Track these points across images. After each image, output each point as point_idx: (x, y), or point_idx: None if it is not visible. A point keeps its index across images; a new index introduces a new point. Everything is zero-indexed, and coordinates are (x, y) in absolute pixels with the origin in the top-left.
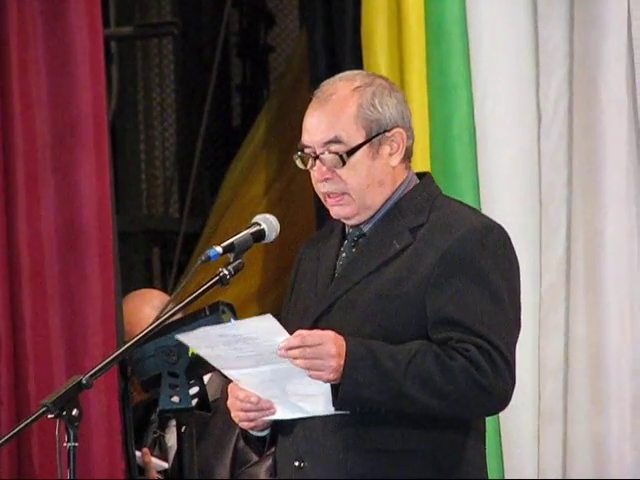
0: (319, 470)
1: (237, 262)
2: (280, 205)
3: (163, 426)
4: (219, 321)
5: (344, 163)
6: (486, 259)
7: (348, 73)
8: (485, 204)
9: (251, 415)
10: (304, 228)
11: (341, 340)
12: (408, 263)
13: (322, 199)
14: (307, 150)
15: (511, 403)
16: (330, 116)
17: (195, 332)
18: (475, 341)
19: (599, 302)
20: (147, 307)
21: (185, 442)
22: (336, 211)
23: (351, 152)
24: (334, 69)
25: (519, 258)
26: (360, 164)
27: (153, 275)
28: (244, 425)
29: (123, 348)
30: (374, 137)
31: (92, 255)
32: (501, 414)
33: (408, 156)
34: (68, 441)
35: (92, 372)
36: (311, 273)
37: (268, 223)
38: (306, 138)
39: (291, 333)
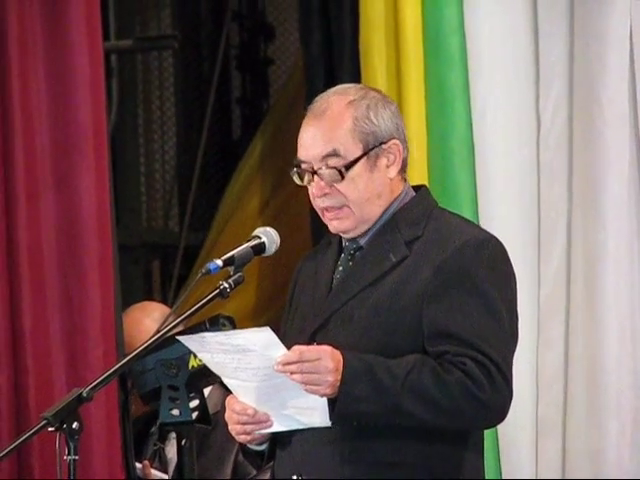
0: None
1: (237, 275)
2: (280, 218)
3: (163, 438)
4: None
5: (343, 177)
6: (482, 272)
7: (341, 87)
8: (483, 216)
9: (248, 428)
10: (305, 242)
11: (338, 355)
12: (404, 276)
13: (320, 214)
14: (304, 165)
15: (509, 416)
16: (326, 131)
17: (195, 336)
18: (472, 354)
19: (598, 314)
20: (147, 319)
21: (185, 455)
22: (335, 225)
23: (349, 166)
24: (332, 83)
25: (518, 270)
26: (359, 177)
27: (153, 288)
28: (241, 439)
29: (123, 361)
30: (371, 150)
31: (92, 268)
32: (499, 427)
33: (404, 167)
34: (68, 454)
35: (92, 385)
36: (309, 287)
37: (268, 236)
38: (302, 153)
39: (289, 347)
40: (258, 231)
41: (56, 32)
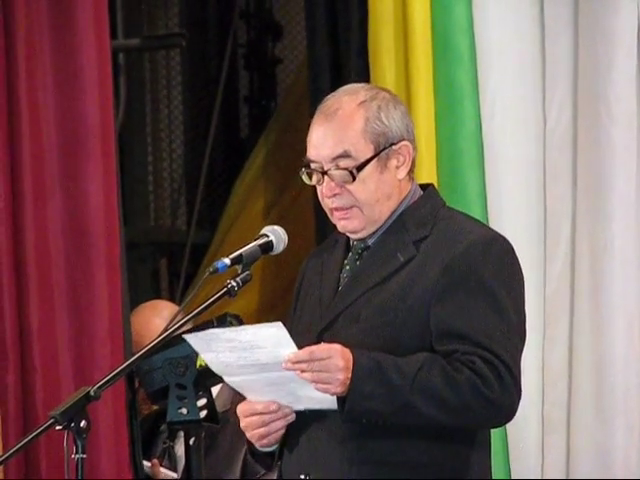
0: None
1: (245, 274)
2: (287, 217)
3: (172, 437)
4: None
5: (354, 178)
6: (490, 271)
7: (351, 86)
8: (492, 216)
9: (273, 427)
10: (311, 241)
11: (348, 353)
12: (412, 276)
13: (329, 214)
14: (314, 165)
15: (516, 414)
16: (337, 131)
17: (202, 333)
18: (480, 353)
19: (605, 312)
20: (157, 318)
21: (193, 454)
22: (343, 225)
23: (361, 167)
24: (337, 81)
25: (526, 269)
26: (369, 178)
27: (160, 286)
28: (264, 442)
29: (131, 360)
30: (382, 151)
31: (100, 266)
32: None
33: (412, 168)
34: (76, 453)
35: (100, 384)
36: (315, 286)
37: (276, 234)
38: (313, 153)
39: (298, 346)
40: (266, 229)
41: (64, 31)
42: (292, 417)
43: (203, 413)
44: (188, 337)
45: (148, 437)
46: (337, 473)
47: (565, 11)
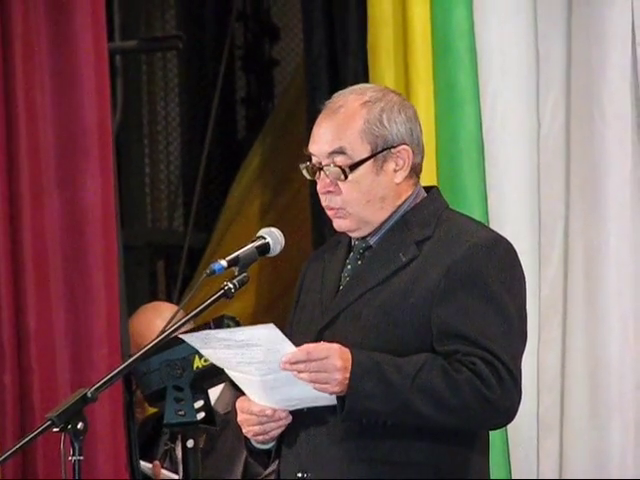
0: None
1: (242, 276)
2: (284, 218)
3: (174, 439)
4: None
5: (346, 177)
6: (492, 273)
7: (361, 86)
8: (493, 218)
9: (267, 427)
10: (308, 243)
11: (347, 353)
12: (414, 276)
13: (326, 210)
14: (314, 160)
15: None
16: (336, 128)
17: (198, 333)
18: (481, 354)
19: (599, 315)
20: (159, 320)
21: (190, 455)
22: (338, 224)
23: (354, 166)
24: (335, 83)
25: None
26: (363, 179)
27: (158, 288)
28: (259, 439)
29: (128, 362)
30: (379, 153)
31: (97, 268)
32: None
33: (416, 172)
34: (73, 455)
35: (97, 385)
36: (316, 285)
37: (273, 236)
38: (313, 147)
39: (297, 345)
40: (263, 231)
41: (61, 32)
42: (287, 420)
43: (200, 415)
44: (185, 336)
45: (150, 439)
46: (336, 472)
47: (558, 12)
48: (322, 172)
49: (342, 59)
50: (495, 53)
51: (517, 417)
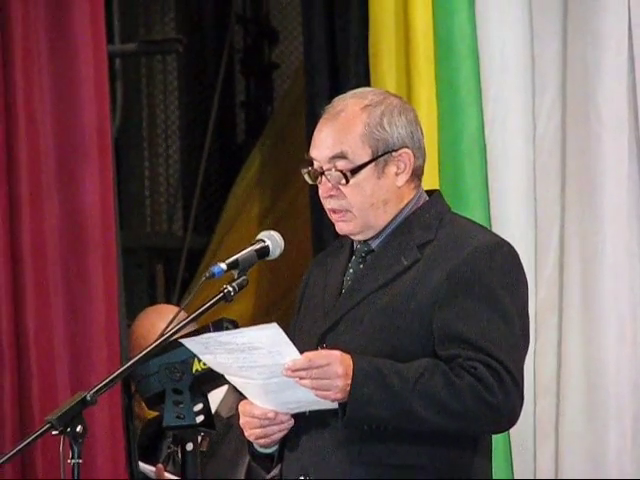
0: None
1: (241, 279)
2: (283, 222)
3: (177, 442)
4: None
5: (348, 181)
6: (494, 276)
7: (361, 90)
8: (495, 221)
9: (269, 431)
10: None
11: (348, 359)
12: (415, 279)
13: (328, 214)
14: (315, 165)
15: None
16: (337, 132)
17: (198, 338)
18: (483, 359)
19: (596, 318)
20: (162, 322)
21: (189, 459)
22: (340, 227)
23: (356, 170)
24: (336, 86)
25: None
26: (364, 182)
27: (157, 292)
28: (261, 442)
29: (127, 365)
30: (380, 156)
31: (96, 271)
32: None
33: (418, 175)
34: (72, 458)
35: (96, 388)
36: (319, 289)
37: (272, 240)
38: (313, 152)
39: (300, 349)
40: (262, 234)
41: (60, 35)
42: (289, 424)
43: (200, 418)
44: (185, 341)
45: (153, 442)
46: (338, 475)
47: (554, 14)
48: (324, 177)
49: (343, 62)
50: (496, 55)
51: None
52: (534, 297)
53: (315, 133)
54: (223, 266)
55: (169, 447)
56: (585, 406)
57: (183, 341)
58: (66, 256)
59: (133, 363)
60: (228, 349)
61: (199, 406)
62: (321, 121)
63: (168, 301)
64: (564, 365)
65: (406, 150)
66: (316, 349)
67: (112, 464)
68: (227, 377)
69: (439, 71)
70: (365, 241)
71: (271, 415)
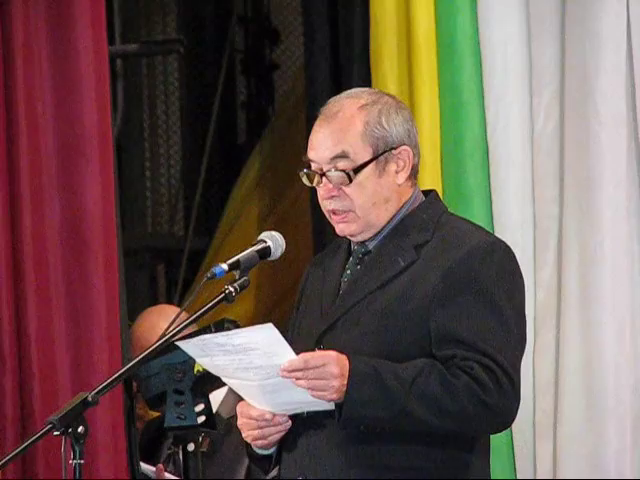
0: None
1: (243, 279)
2: (285, 222)
3: (178, 442)
4: None
5: (351, 180)
6: (490, 277)
7: (355, 90)
8: (498, 221)
9: (266, 432)
10: (308, 247)
11: (344, 360)
12: (412, 280)
13: (327, 216)
14: (313, 166)
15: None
16: (337, 133)
17: (194, 339)
18: (479, 359)
19: (595, 318)
20: (163, 323)
21: (190, 459)
22: (341, 228)
23: (358, 169)
24: (337, 87)
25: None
26: (367, 181)
27: (158, 292)
28: (258, 444)
29: (128, 366)
30: (381, 154)
31: (97, 272)
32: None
33: (414, 174)
34: (74, 458)
35: (98, 389)
36: (316, 290)
37: (274, 240)
38: (312, 154)
39: (297, 350)
40: (263, 235)
41: (61, 36)
42: (287, 426)
43: (201, 419)
44: (181, 344)
45: (153, 443)
46: (335, 476)
47: (552, 13)
48: (324, 178)
49: (344, 63)
50: (498, 56)
51: (516, 421)
52: (533, 298)
53: (312, 135)
54: (224, 267)
55: (169, 448)
56: (584, 407)
57: (180, 344)
58: (67, 257)
59: (134, 364)
60: (224, 350)
61: (200, 407)
62: (317, 122)
63: (169, 302)
64: (563, 366)
65: (405, 147)
66: (313, 350)
67: (113, 464)
68: (224, 379)
69: (441, 72)
70: (362, 242)
71: (268, 416)
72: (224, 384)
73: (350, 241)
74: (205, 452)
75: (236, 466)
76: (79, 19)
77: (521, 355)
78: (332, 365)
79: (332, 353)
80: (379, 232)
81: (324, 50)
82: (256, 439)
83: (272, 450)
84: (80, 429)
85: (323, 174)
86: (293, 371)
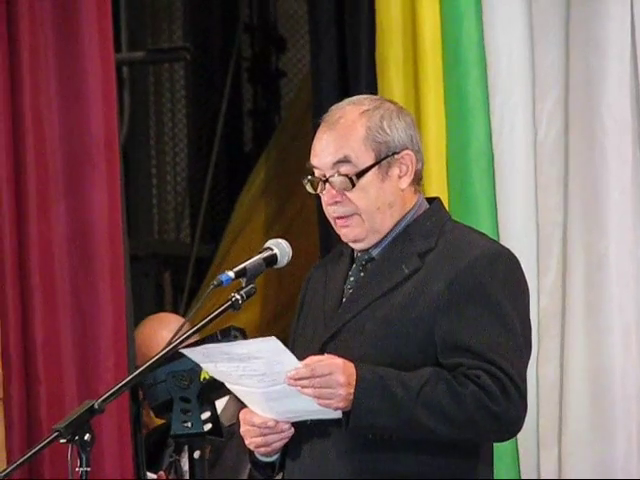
0: None
1: (249, 287)
2: (292, 230)
3: (179, 450)
4: None
5: (354, 185)
6: (495, 284)
7: (356, 97)
8: (503, 228)
9: (269, 439)
10: (315, 254)
11: (351, 368)
12: (417, 288)
13: (332, 223)
14: (317, 173)
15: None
16: (339, 138)
17: (199, 348)
18: (486, 367)
19: (601, 324)
20: (164, 331)
21: (197, 467)
22: (345, 233)
23: (360, 174)
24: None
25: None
26: (370, 186)
27: (164, 300)
28: (261, 451)
29: (135, 373)
30: (383, 159)
31: (104, 279)
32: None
33: (418, 180)
34: (80, 466)
35: (104, 397)
36: (319, 297)
37: (280, 248)
38: (315, 161)
39: (300, 357)
40: (270, 243)
41: (68, 44)
42: (289, 433)
43: (207, 426)
44: (185, 351)
45: (155, 450)
46: None
47: (556, 19)
48: (327, 184)
49: (351, 70)
50: (503, 61)
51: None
52: (536, 305)
53: (315, 142)
54: (231, 274)
55: (171, 455)
56: (589, 414)
57: (184, 351)
58: (73, 264)
59: (141, 372)
60: (228, 358)
61: (207, 414)
62: (320, 129)
63: (175, 309)
64: (567, 373)
65: (408, 152)
66: None
67: (120, 472)
68: (228, 385)
69: (447, 78)
70: (366, 249)
71: (271, 424)
72: (228, 392)
73: (353, 248)
74: (208, 459)
75: (238, 473)
76: (86, 27)
77: (527, 363)
78: (338, 373)
79: (338, 361)
80: (383, 239)
81: (331, 58)
82: (259, 446)
83: (275, 457)
84: (86, 437)
85: (326, 180)
86: (299, 379)
